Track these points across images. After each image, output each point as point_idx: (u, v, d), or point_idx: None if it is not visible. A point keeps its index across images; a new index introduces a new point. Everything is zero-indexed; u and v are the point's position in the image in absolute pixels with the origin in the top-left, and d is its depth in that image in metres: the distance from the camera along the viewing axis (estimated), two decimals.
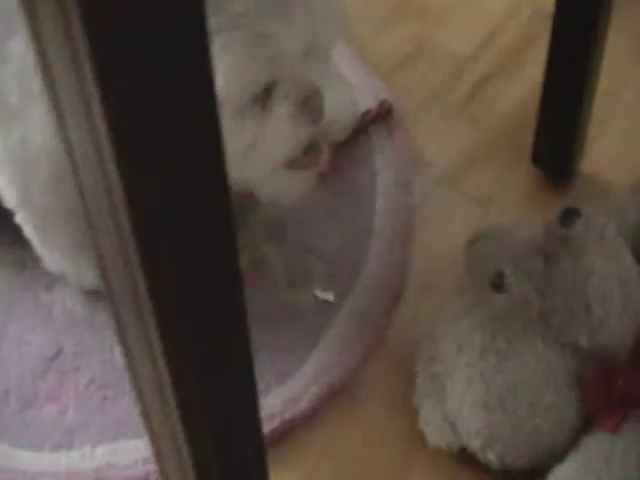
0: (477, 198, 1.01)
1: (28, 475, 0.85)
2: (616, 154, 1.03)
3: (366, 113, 1.06)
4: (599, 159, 1.03)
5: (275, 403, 0.89)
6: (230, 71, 0.73)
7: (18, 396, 0.90)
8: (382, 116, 1.06)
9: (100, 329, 0.93)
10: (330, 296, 0.95)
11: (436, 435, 0.83)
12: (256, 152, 0.80)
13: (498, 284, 0.80)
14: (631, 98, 1.09)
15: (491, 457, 0.80)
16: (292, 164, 0.83)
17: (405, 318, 0.94)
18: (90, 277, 0.92)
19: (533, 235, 0.81)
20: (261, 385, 0.88)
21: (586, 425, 0.79)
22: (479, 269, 0.83)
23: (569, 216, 0.79)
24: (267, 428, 0.86)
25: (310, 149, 0.83)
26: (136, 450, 0.86)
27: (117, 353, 0.89)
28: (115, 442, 0.87)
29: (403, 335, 0.93)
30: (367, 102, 1.07)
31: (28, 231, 0.90)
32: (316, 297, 0.95)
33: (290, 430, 0.88)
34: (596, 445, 0.77)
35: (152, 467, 0.82)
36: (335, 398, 0.89)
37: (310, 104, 0.79)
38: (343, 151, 1.02)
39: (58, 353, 0.92)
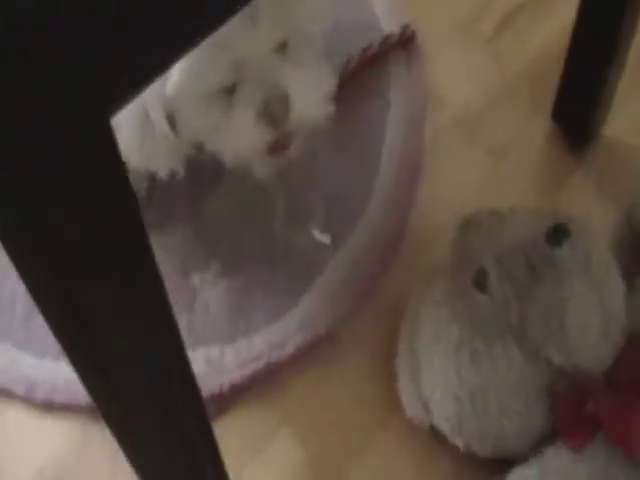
0: (490, 148, 0.96)
1: (30, 380, 0.87)
2: None
3: (387, 37, 0.99)
4: (624, 124, 0.97)
5: (262, 345, 0.88)
6: (187, 72, 0.73)
7: (24, 304, 0.89)
8: (403, 42, 1.00)
9: None
10: (327, 239, 0.91)
11: (410, 407, 0.83)
12: (220, 137, 0.80)
13: (480, 282, 0.77)
14: None
15: (458, 442, 0.80)
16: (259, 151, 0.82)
17: (399, 271, 0.91)
18: None
19: (524, 231, 0.78)
20: (250, 322, 0.88)
21: (552, 434, 0.78)
22: (464, 261, 0.80)
23: (557, 234, 0.75)
24: (253, 368, 0.87)
25: (277, 141, 0.80)
26: None
27: None
28: None
29: (395, 288, 0.90)
30: (389, 26, 1.00)
31: None
32: (313, 238, 0.91)
33: (276, 372, 0.87)
34: (557, 459, 0.76)
35: None
36: (321, 345, 0.88)
37: (273, 110, 0.77)
38: (358, 81, 0.97)
39: None
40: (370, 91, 0.98)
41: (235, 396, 0.87)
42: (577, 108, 0.95)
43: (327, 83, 0.84)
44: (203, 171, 0.91)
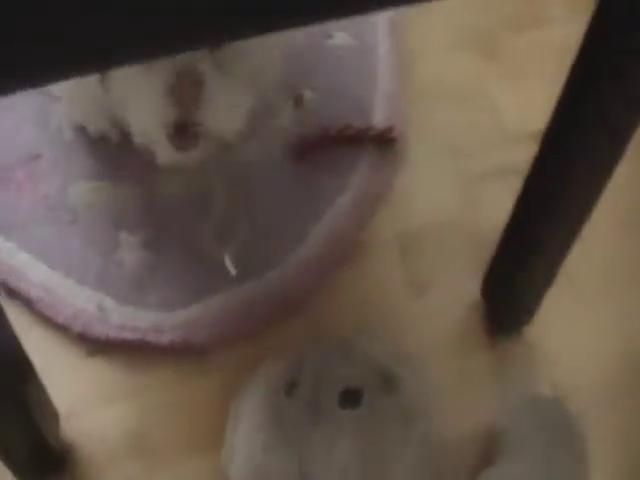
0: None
1: None
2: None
3: (369, 128, 1.11)
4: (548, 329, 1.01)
5: (143, 322, 1.01)
6: None
7: None
8: (382, 141, 1.11)
9: None
10: (233, 270, 1.03)
11: None
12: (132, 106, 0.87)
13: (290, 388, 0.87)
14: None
15: None
16: (171, 141, 0.91)
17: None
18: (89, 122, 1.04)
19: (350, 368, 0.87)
20: (145, 297, 1.00)
21: None
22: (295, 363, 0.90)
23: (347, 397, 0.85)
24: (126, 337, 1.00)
25: (182, 132, 0.88)
26: None
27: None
28: None
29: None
30: (380, 116, 1.13)
31: None
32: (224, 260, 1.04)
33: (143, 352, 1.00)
34: None
35: None
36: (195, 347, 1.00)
37: (183, 90, 0.84)
38: (325, 151, 1.10)
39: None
40: (332, 167, 1.10)
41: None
42: (502, 294, 0.99)
43: (245, 101, 0.95)
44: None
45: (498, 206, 0.94)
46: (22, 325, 0.96)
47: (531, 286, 0.95)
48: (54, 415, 0.93)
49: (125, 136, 1.05)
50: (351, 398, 0.87)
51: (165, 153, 0.96)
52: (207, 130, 0.92)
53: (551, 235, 0.89)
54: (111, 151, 1.09)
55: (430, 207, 1.10)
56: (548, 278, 0.93)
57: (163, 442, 0.96)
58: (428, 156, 1.13)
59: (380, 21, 1.21)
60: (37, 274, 1.02)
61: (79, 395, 0.97)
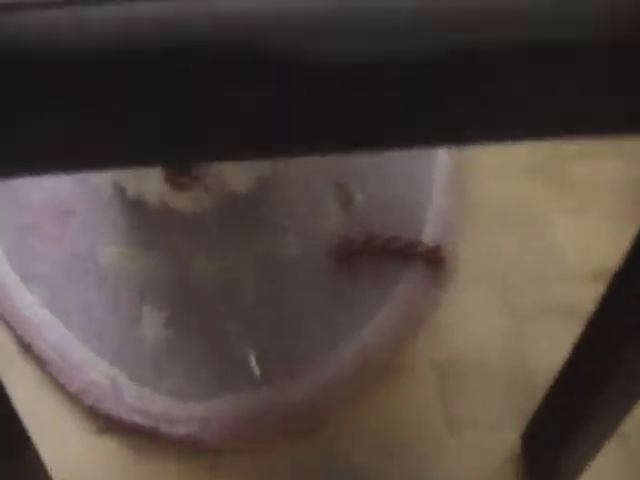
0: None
1: None
2: None
3: (417, 243, 1.07)
4: None
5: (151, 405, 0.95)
6: None
7: None
8: (429, 258, 1.07)
9: None
10: (257, 371, 0.98)
11: None
12: None
13: None
14: None
15: None
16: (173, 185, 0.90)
17: None
18: (129, 187, 0.99)
19: None
20: (158, 379, 0.94)
21: None
22: None
23: None
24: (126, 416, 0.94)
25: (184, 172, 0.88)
26: None
27: None
28: None
29: None
30: (431, 231, 1.10)
31: None
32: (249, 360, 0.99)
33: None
34: None
35: None
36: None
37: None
38: (369, 257, 1.06)
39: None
40: (374, 277, 1.05)
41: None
42: (544, 454, 0.93)
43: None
44: None
45: (549, 347, 0.90)
46: (32, 385, 0.90)
47: (580, 449, 0.87)
48: None
49: (163, 204, 1.01)
50: None
51: (163, 192, 0.94)
52: (211, 175, 0.89)
53: (613, 392, 0.83)
54: (147, 218, 1.04)
55: (474, 337, 1.05)
56: (601, 441, 0.86)
57: None
58: (478, 282, 1.08)
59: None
60: (53, 334, 0.95)
61: (80, 473, 0.89)
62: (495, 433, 0.97)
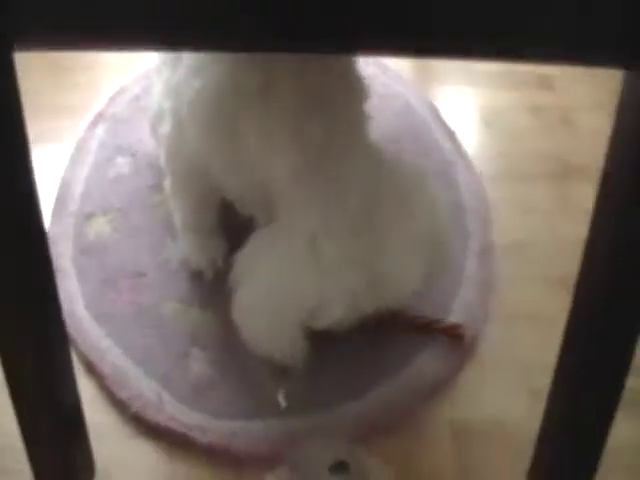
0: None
1: None
2: None
3: (439, 321, 1.25)
4: None
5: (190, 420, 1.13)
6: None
7: None
8: (450, 335, 1.25)
9: None
10: (284, 403, 1.15)
11: None
12: None
13: None
14: None
15: None
16: None
17: None
18: (192, 260, 1.23)
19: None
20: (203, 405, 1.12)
21: None
22: None
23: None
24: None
25: None
26: None
27: None
28: None
29: None
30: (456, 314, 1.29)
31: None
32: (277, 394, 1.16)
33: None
34: None
35: None
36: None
37: None
38: (395, 329, 1.24)
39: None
40: (397, 343, 1.23)
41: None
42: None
43: None
44: None
45: None
46: (90, 393, 1.11)
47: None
48: (91, 469, 1.04)
49: (217, 275, 1.25)
50: None
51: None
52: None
53: None
54: (203, 284, 1.27)
55: (490, 407, 1.19)
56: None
57: None
58: (498, 362, 1.24)
59: (471, 245, 1.38)
60: (113, 356, 1.17)
61: (120, 463, 1.08)
62: None
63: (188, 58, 1.11)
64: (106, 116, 1.56)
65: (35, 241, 0.85)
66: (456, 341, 1.26)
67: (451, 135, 1.58)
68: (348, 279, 1.02)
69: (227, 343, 1.20)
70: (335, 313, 1.03)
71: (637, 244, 0.84)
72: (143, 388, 1.14)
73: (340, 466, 0.95)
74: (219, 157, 1.11)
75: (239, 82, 1.05)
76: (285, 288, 1.03)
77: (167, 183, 1.27)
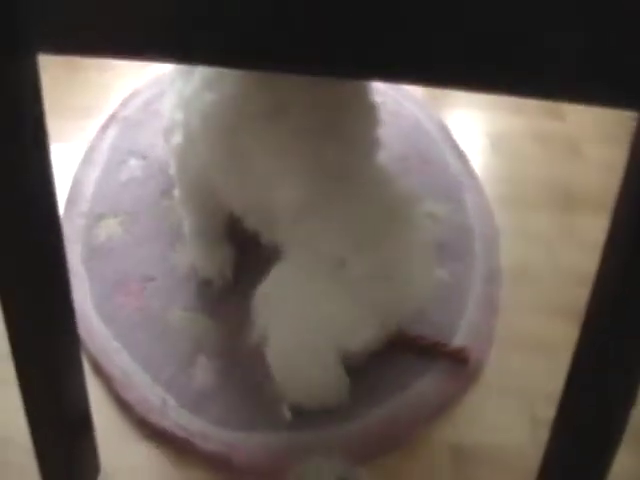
0: None
1: None
2: None
3: (443, 345, 1.27)
4: None
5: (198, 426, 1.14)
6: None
7: None
8: (453, 358, 1.27)
9: None
10: (289, 416, 1.16)
11: None
12: None
13: None
14: None
15: None
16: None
17: None
18: (201, 268, 1.25)
19: None
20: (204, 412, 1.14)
21: None
22: None
23: None
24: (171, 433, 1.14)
25: None
26: None
27: None
28: None
29: None
30: (459, 338, 1.31)
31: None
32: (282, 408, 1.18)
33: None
34: None
35: None
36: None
37: None
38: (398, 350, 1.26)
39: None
40: (401, 371, 1.24)
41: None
42: None
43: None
44: None
45: None
46: (98, 396, 1.14)
47: None
48: (96, 468, 1.05)
49: (226, 285, 1.27)
50: None
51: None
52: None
53: None
54: (212, 293, 1.28)
55: (490, 431, 1.21)
56: None
57: None
58: (501, 387, 1.26)
59: (477, 267, 1.40)
60: (121, 359, 1.18)
61: (123, 465, 1.09)
62: None
63: (201, 71, 1.12)
64: (118, 118, 1.57)
65: (51, 239, 0.87)
66: (460, 365, 1.28)
67: (461, 156, 1.60)
68: (378, 295, 1.03)
69: (233, 352, 1.21)
70: (369, 333, 1.04)
71: None
72: (148, 392, 1.15)
73: None
74: (223, 173, 1.13)
75: (250, 100, 1.06)
76: (318, 321, 1.04)
77: (177, 191, 1.28)
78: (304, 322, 1.04)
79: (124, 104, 1.61)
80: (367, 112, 1.13)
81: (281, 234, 1.10)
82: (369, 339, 1.05)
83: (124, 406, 1.15)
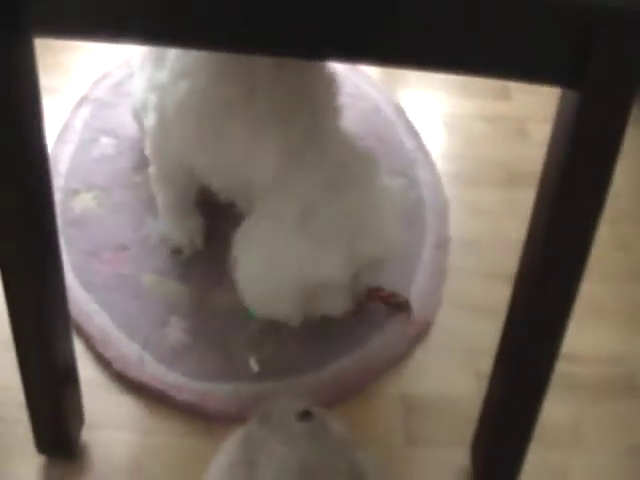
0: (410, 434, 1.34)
1: None
2: None
3: (394, 295, 1.42)
4: None
5: (171, 379, 1.28)
6: None
7: None
8: (399, 307, 1.42)
9: None
10: (256, 368, 1.30)
11: None
12: None
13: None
14: None
15: None
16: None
17: None
18: (172, 238, 1.40)
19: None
20: (176, 363, 1.27)
21: None
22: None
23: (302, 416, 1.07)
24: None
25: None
26: None
27: None
28: None
29: None
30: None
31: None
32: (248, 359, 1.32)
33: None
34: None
35: None
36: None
37: None
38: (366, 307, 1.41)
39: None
40: (357, 329, 1.39)
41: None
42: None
43: None
44: None
45: None
46: (77, 353, 1.24)
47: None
48: (80, 418, 1.18)
49: (195, 252, 1.41)
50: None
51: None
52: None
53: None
54: (181, 259, 1.42)
55: (438, 384, 1.36)
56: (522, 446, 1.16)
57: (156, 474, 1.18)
58: (449, 345, 1.41)
59: (428, 237, 1.55)
60: (100, 320, 1.32)
61: (105, 415, 1.23)
62: (448, 454, 1.27)
63: (174, 60, 1.25)
64: (90, 99, 1.69)
65: (43, 202, 0.99)
66: (402, 311, 1.42)
67: (415, 135, 1.74)
68: (344, 233, 1.18)
69: (202, 313, 1.35)
70: (332, 266, 1.18)
71: (568, 243, 0.98)
72: (126, 350, 1.29)
73: (307, 415, 1.09)
74: (204, 157, 1.26)
75: (222, 86, 1.20)
76: (283, 255, 1.19)
77: (151, 170, 1.41)
78: (270, 249, 1.20)
79: (95, 85, 1.73)
80: (328, 84, 1.28)
81: (257, 198, 1.24)
82: (333, 273, 1.19)
83: (104, 363, 1.28)
